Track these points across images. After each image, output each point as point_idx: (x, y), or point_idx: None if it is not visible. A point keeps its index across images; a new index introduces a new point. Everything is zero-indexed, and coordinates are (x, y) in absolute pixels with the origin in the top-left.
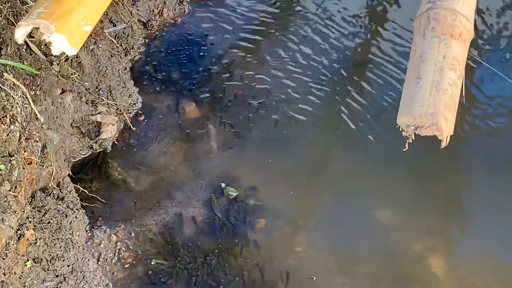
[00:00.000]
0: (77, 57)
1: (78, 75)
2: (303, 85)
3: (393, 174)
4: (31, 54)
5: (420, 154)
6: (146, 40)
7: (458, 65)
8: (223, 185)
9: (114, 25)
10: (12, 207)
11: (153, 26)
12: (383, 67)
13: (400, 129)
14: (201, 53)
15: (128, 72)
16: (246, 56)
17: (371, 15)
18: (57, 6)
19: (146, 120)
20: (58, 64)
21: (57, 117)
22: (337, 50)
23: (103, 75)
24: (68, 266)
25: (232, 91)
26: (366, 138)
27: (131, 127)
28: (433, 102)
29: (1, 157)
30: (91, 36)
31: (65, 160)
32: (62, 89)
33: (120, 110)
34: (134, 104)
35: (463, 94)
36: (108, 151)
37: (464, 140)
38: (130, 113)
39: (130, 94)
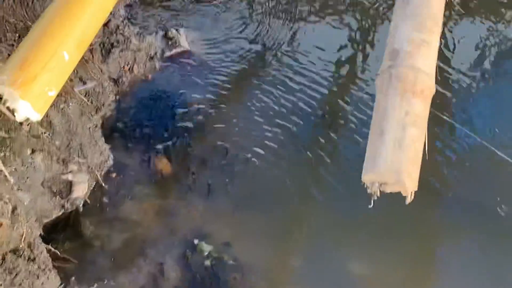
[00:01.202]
0: (47, 117)
1: (49, 135)
2: (276, 138)
3: (365, 227)
4: (0, 116)
5: (390, 207)
6: (117, 97)
7: (420, 121)
8: (196, 241)
9: (84, 83)
10: None
11: (124, 82)
12: (353, 122)
13: (365, 186)
14: (173, 109)
15: (99, 129)
16: (218, 111)
17: (339, 70)
18: (21, 73)
19: (118, 177)
20: (28, 125)
21: (27, 178)
22: (307, 102)
23: (73, 133)
24: None
25: (204, 146)
26: (338, 192)
27: (103, 184)
28: (396, 159)
29: None
30: (61, 95)
31: (36, 220)
32: (33, 149)
33: (92, 168)
34: (106, 161)
35: (426, 150)
36: (80, 210)
37: (432, 192)
38: (102, 170)
39: (101, 152)
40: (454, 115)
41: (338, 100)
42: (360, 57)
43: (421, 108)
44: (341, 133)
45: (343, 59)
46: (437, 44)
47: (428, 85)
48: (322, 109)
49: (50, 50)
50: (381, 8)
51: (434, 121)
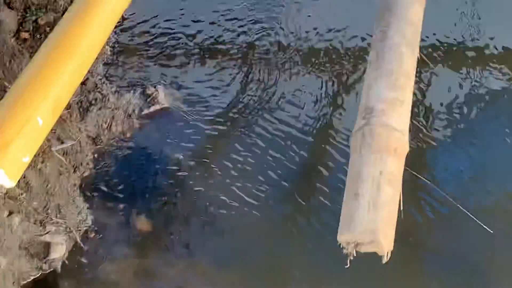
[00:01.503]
0: (24, 177)
1: (26, 196)
2: (256, 194)
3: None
4: None
5: (369, 264)
6: (95, 155)
7: (395, 180)
8: None
9: (62, 143)
10: None
11: (102, 141)
12: (328, 181)
13: (341, 247)
14: (151, 167)
15: (77, 189)
16: (197, 168)
17: (317, 127)
18: None
19: (97, 237)
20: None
21: (4, 240)
22: (286, 159)
23: (51, 194)
24: None
25: (184, 204)
26: (318, 248)
27: (81, 245)
28: (372, 218)
29: None
30: (39, 155)
31: (13, 283)
32: (9, 211)
33: (70, 229)
34: (84, 221)
35: (401, 209)
36: (58, 271)
37: (410, 248)
38: (80, 230)
39: (79, 211)
40: (429, 173)
41: (315, 158)
42: (336, 115)
43: (395, 167)
44: (318, 191)
45: (320, 117)
46: (410, 101)
47: (401, 143)
48: (300, 167)
49: (24, 116)
50: (359, 66)
51: (408, 180)
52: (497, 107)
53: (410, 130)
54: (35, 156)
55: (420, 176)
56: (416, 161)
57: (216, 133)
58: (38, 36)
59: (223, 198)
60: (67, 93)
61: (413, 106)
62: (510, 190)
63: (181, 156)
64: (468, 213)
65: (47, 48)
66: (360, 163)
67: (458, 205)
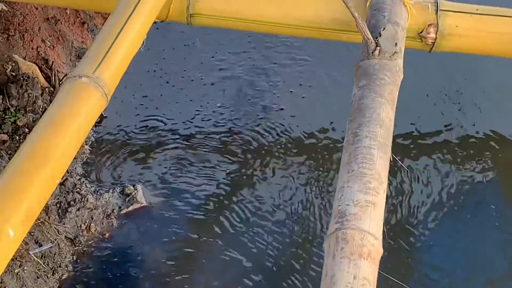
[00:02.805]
0: (1, 282)
1: None
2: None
3: None
4: None
5: None
6: (74, 257)
7: (368, 284)
8: None
9: (40, 245)
10: None
11: (81, 242)
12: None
13: None
14: (130, 268)
15: None
16: (178, 267)
17: (291, 230)
18: None
19: None
20: None
21: None
22: (266, 260)
23: None
24: None
25: None
26: None
27: None
28: None
29: None
30: (16, 259)
31: None
32: None
33: None
34: None
35: None
36: None
37: None
38: None
39: None
40: (405, 277)
41: (290, 261)
42: (312, 218)
43: (369, 271)
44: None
45: (295, 219)
46: (383, 204)
47: (375, 247)
48: (276, 269)
49: None
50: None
51: (382, 283)
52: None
53: (383, 233)
54: (12, 260)
55: (395, 280)
56: (390, 265)
57: (196, 229)
58: (17, 137)
59: None
60: (39, 202)
61: (386, 208)
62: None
63: (161, 255)
64: None
65: (20, 157)
66: (333, 268)
67: None
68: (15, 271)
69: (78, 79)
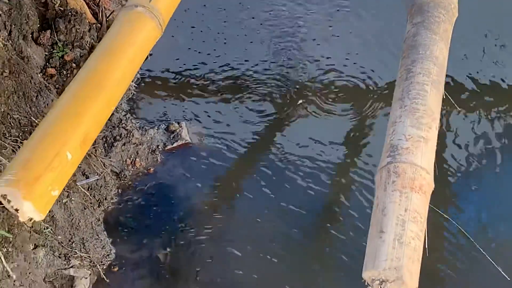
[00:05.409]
0: (50, 211)
1: (51, 230)
2: (277, 230)
3: None
4: (3, 211)
5: None
6: (119, 190)
7: (419, 217)
8: None
9: (87, 177)
10: None
11: (126, 176)
12: (353, 218)
13: (366, 284)
14: (174, 203)
15: (101, 223)
16: (219, 203)
17: (341, 164)
18: (24, 173)
19: (120, 271)
20: (30, 220)
21: (29, 273)
22: (308, 197)
23: (76, 228)
24: None
25: (207, 239)
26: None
27: (105, 279)
28: (396, 256)
29: None
30: (64, 189)
31: None
32: (35, 244)
33: (94, 263)
34: (108, 255)
35: (426, 246)
36: None
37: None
38: (104, 264)
39: (103, 246)
40: (453, 212)
41: (340, 195)
42: (361, 152)
43: (420, 204)
44: (342, 229)
45: (344, 153)
46: (435, 140)
47: (426, 181)
48: (322, 204)
49: (53, 150)
50: (380, 104)
51: (433, 217)
52: None
53: (435, 169)
54: None
55: (444, 214)
56: (440, 199)
57: (238, 168)
58: (64, 72)
59: (247, 233)
60: (95, 128)
61: (438, 144)
62: None
63: (203, 191)
64: (487, 256)
65: (77, 84)
66: (385, 201)
67: (477, 245)
68: (63, 201)
69: (134, 8)
